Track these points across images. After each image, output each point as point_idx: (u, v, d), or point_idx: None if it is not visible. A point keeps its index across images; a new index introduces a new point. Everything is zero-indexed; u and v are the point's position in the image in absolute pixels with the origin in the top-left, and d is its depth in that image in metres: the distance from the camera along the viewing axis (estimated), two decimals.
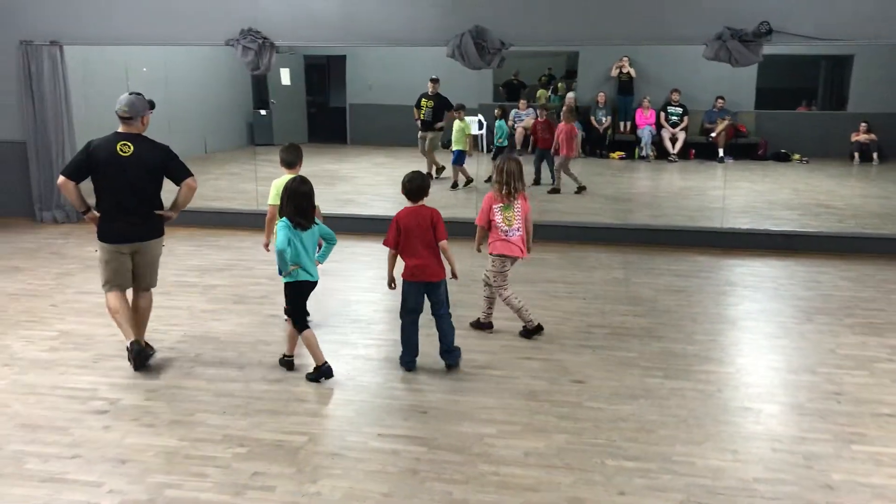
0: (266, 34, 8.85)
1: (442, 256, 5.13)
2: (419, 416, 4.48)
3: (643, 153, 13.30)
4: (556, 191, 11.14)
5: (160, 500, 3.63)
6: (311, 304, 5.88)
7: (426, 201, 5.15)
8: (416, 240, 5.03)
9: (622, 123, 13.72)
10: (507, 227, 5.66)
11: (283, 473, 3.86)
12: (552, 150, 11.24)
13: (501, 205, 5.64)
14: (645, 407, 4.63)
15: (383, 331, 5.91)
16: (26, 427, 4.33)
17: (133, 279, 5.24)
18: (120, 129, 5.06)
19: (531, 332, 5.78)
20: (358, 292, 6.82)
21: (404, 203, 5.15)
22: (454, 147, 11.43)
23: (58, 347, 5.50)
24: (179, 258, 7.94)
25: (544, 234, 8.90)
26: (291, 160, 5.74)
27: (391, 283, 5.19)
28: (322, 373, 4.97)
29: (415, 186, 5.09)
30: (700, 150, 13.31)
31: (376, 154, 13.81)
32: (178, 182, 5.16)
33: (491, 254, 5.76)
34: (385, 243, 5.11)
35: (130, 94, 5.12)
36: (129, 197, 5.02)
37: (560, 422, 4.43)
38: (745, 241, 8.66)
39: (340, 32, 8.90)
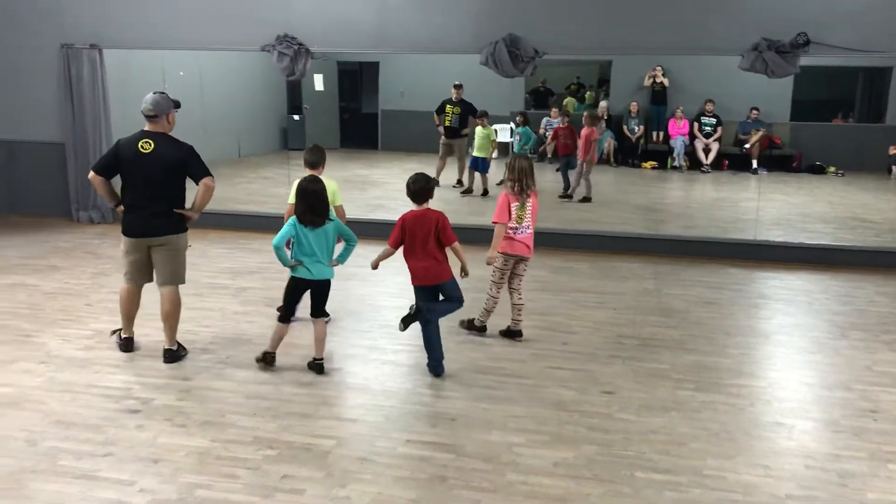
0: (301, 40, 8.92)
1: (451, 255, 5.20)
2: (448, 423, 4.48)
3: (676, 163, 13.20)
4: (587, 199, 11.10)
5: (191, 500, 3.67)
6: (342, 307, 5.92)
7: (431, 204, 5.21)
8: (419, 244, 5.08)
9: (655, 133, 13.63)
10: (516, 226, 5.71)
11: (313, 477, 3.88)
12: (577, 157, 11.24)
13: (517, 203, 5.68)
14: (676, 419, 4.59)
15: (412, 336, 5.89)
16: (61, 424, 4.39)
17: (157, 276, 5.39)
18: (146, 128, 5.21)
19: (475, 327, 5.95)
20: (387, 297, 6.84)
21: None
22: (478, 154, 11.40)
23: (93, 346, 5.58)
24: (212, 260, 8.03)
25: (575, 243, 8.91)
26: (314, 161, 5.85)
27: (375, 265, 5.24)
28: (266, 361, 5.18)
29: (419, 188, 5.13)
30: (733, 161, 13.18)
31: (407, 160, 13.83)
32: (196, 181, 5.25)
33: (497, 251, 5.80)
34: (389, 243, 5.14)
35: (155, 93, 5.25)
36: (147, 193, 5.17)
37: (590, 432, 4.40)
38: (779, 253, 8.55)
39: (375, 39, 8.95)
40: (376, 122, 15.49)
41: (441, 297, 5.25)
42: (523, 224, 5.72)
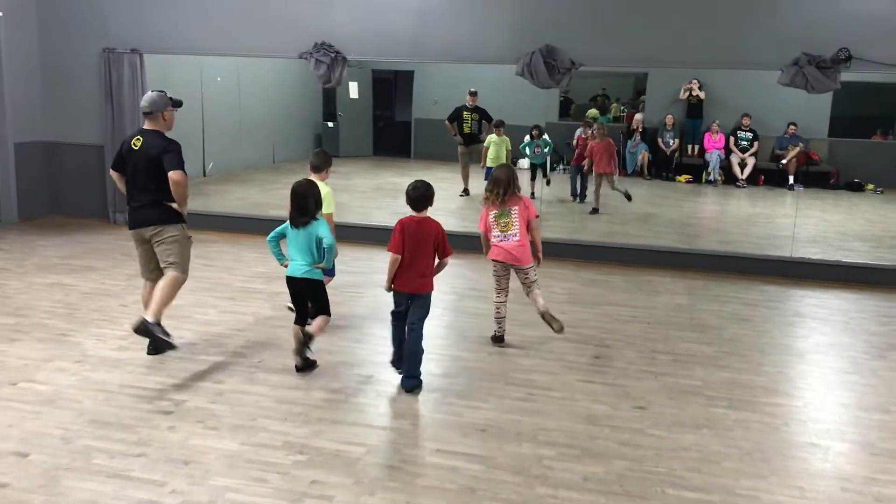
0: (339, 48, 9.00)
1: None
2: (478, 434, 4.46)
3: (711, 177, 13.08)
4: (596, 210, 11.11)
5: (221, 502, 3.69)
6: (373, 315, 5.94)
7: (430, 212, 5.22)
8: (414, 251, 5.07)
9: (690, 146, 13.53)
10: (500, 233, 5.73)
11: (342, 483, 3.88)
12: (585, 168, 11.21)
13: (496, 211, 5.73)
14: (708, 437, 4.53)
15: (442, 346, 5.91)
16: (95, 423, 4.45)
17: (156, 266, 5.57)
18: (144, 125, 5.44)
19: (495, 339, 5.97)
20: None
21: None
22: (492, 164, 11.29)
23: (127, 347, 5.65)
24: (246, 265, 8.09)
25: (609, 256, 8.86)
26: (318, 164, 6.11)
27: (390, 287, 5.19)
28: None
29: (419, 195, 5.13)
30: (769, 177, 13.04)
31: (439, 168, 13.86)
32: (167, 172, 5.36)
33: (489, 259, 5.88)
34: (390, 249, 5.10)
35: (153, 90, 5.47)
36: (137, 185, 5.41)
37: (620, 448, 4.36)
38: (816, 271, 8.43)
39: (412, 48, 8.99)
40: (409, 131, 15.55)
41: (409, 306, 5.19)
42: (510, 231, 5.74)
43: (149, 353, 5.46)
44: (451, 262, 5.37)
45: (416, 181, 5.19)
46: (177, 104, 5.50)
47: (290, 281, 5.24)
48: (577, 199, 11.68)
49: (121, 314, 6.38)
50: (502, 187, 5.67)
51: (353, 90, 15.34)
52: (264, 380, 5.14)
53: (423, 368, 5.28)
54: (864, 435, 4.65)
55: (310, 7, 9.13)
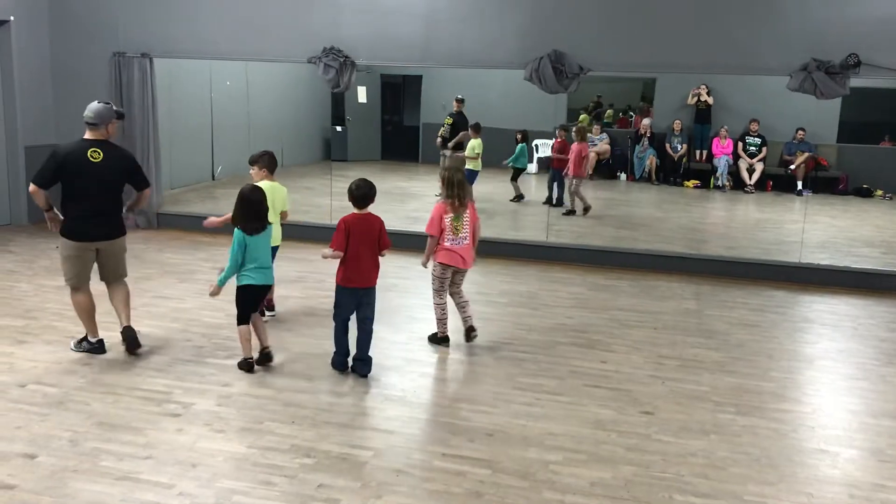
0: (348, 53, 9.02)
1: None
2: (484, 439, 4.46)
3: (719, 183, 13.06)
4: (571, 212, 11.14)
5: None
6: (379, 318, 5.95)
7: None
8: (360, 246, 5.18)
9: (698, 152, 13.51)
10: (453, 237, 5.77)
11: (349, 487, 3.88)
12: (563, 171, 11.23)
13: (452, 215, 5.75)
14: (716, 443, 4.52)
15: (450, 349, 5.91)
16: (104, 425, 4.46)
17: (105, 274, 5.65)
18: (87, 136, 5.41)
19: (438, 340, 5.97)
20: (423, 310, 6.81)
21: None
22: (469, 166, 11.31)
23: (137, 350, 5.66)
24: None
25: (616, 260, 8.86)
26: (272, 165, 6.28)
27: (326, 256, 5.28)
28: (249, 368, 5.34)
29: (362, 194, 5.24)
30: (778, 182, 13.01)
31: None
32: (139, 189, 5.66)
33: (435, 261, 5.86)
34: (333, 246, 5.18)
35: (99, 102, 5.47)
36: (101, 198, 5.41)
37: (627, 453, 4.36)
38: (824, 277, 8.40)
39: (420, 53, 9.02)
40: (417, 135, 15.57)
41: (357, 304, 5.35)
42: (460, 235, 5.78)
43: (130, 352, 5.56)
44: None
45: (360, 180, 5.31)
46: (120, 116, 5.55)
47: (259, 289, 5.34)
48: (553, 204, 11.51)
49: (135, 317, 6.38)
50: (463, 191, 5.75)
51: (362, 94, 15.37)
52: (271, 383, 5.15)
53: (428, 371, 5.29)
54: (872, 441, 4.63)
55: (319, 12, 9.16)
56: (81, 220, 5.40)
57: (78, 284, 5.53)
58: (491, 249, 9.05)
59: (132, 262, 8.17)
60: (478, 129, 11.42)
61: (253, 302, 5.36)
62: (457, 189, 5.74)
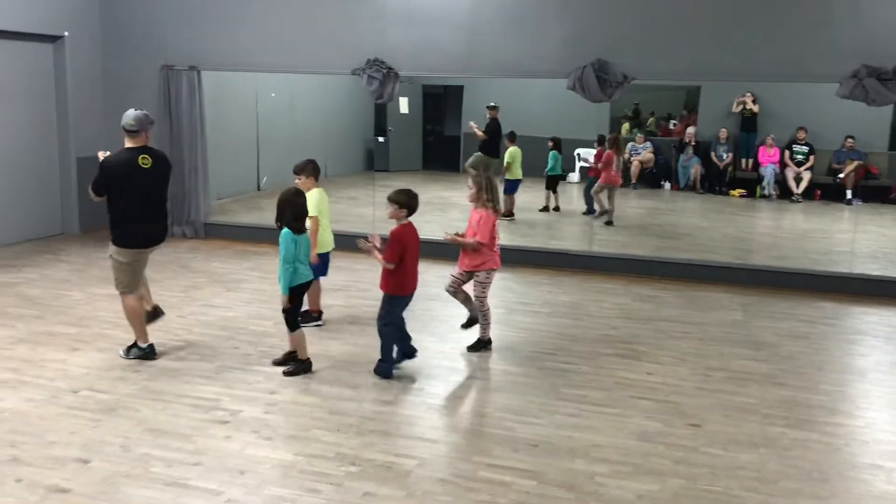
0: (391, 64, 9.10)
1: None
2: (529, 449, 4.44)
3: (765, 192, 12.86)
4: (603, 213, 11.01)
5: None
6: (424, 328, 5.97)
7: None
8: (411, 254, 5.33)
9: (744, 160, 13.32)
10: (499, 243, 5.95)
11: (394, 496, 3.90)
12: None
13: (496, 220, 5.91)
14: (765, 456, 4.44)
15: (494, 359, 5.90)
16: (153, 432, 4.54)
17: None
18: (130, 144, 5.57)
19: (484, 344, 6.04)
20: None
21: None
22: (508, 176, 11.24)
23: (184, 357, 5.76)
24: None
25: (661, 270, 8.76)
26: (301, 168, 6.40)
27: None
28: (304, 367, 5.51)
29: (416, 203, 5.38)
30: (826, 191, 12.75)
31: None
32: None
33: (489, 269, 5.92)
34: (388, 258, 5.25)
35: (136, 109, 5.64)
36: (150, 203, 5.58)
37: (675, 465, 4.30)
38: (876, 288, 8.21)
39: (463, 63, 9.05)
40: (458, 145, 15.59)
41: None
42: (498, 240, 5.98)
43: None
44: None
45: (408, 189, 5.40)
46: (152, 123, 5.75)
47: (308, 285, 5.51)
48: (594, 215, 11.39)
49: (178, 325, 6.50)
50: (496, 194, 5.92)
51: (404, 105, 15.44)
52: (317, 391, 5.20)
53: (473, 381, 5.31)
54: None
55: (364, 24, 9.25)
56: (143, 226, 5.55)
57: (133, 290, 5.67)
58: (533, 259, 9.03)
59: (181, 270, 8.37)
60: (513, 138, 11.39)
61: (301, 300, 5.52)
62: (495, 193, 5.88)
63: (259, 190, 12.85)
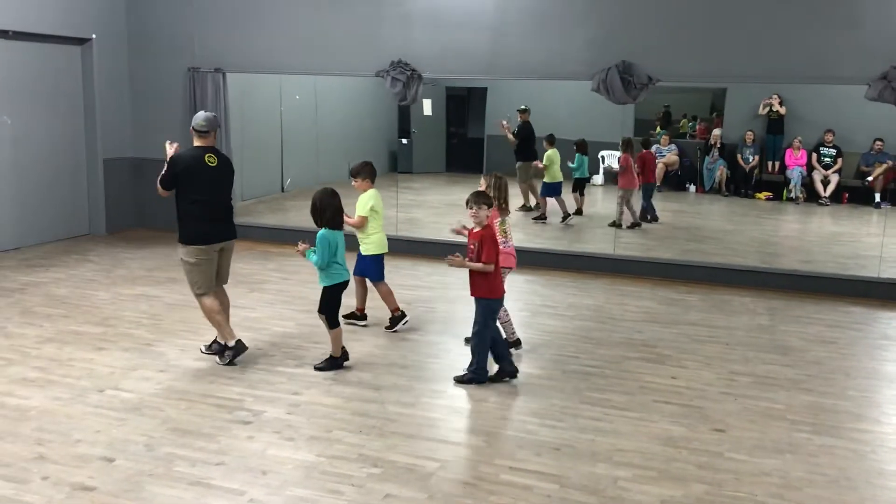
0: (414, 66, 9.11)
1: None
2: (552, 453, 4.42)
3: (792, 195, 12.71)
4: (637, 224, 10.92)
5: None
6: (446, 329, 5.96)
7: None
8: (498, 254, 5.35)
9: (770, 163, 13.18)
10: (503, 239, 5.83)
11: (416, 498, 3.89)
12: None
13: (499, 219, 5.84)
14: (791, 462, 4.39)
15: (517, 362, 5.86)
16: (177, 431, 4.57)
17: (217, 277, 5.82)
18: (198, 143, 5.67)
19: (510, 344, 5.94)
20: None
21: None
22: (546, 179, 11.19)
23: (208, 357, 5.79)
24: None
25: (686, 274, 8.69)
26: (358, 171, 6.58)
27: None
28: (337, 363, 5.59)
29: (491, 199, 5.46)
30: (854, 195, 12.58)
31: (511, 185, 13.93)
32: None
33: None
34: (486, 260, 5.22)
35: (207, 112, 5.85)
36: (219, 201, 5.69)
37: (699, 471, 4.26)
38: None
39: (487, 65, 9.04)
40: (482, 147, 15.57)
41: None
42: (506, 238, 5.94)
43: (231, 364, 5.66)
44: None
45: (481, 191, 5.49)
46: (219, 124, 5.91)
47: (346, 285, 5.60)
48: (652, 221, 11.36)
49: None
50: (506, 195, 5.96)
51: (427, 107, 15.45)
52: (339, 392, 5.21)
53: (495, 384, 5.30)
54: None
55: (388, 26, 9.28)
56: (205, 223, 5.61)
57: (208, 290, 5.69)
58: (557, 262, 9.00)
59: None
60: (552, 141, 11.33)
61: (338, 299, 5.58)
62: (502, 192, 5.95)
63: (283, 191, 12.92)
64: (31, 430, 4.55)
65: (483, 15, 8.98)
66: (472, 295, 5.38)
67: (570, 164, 11.48)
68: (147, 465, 4.17)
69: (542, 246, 9.58)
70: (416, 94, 9.23)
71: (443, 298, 7.42)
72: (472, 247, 5.31)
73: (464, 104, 17.11)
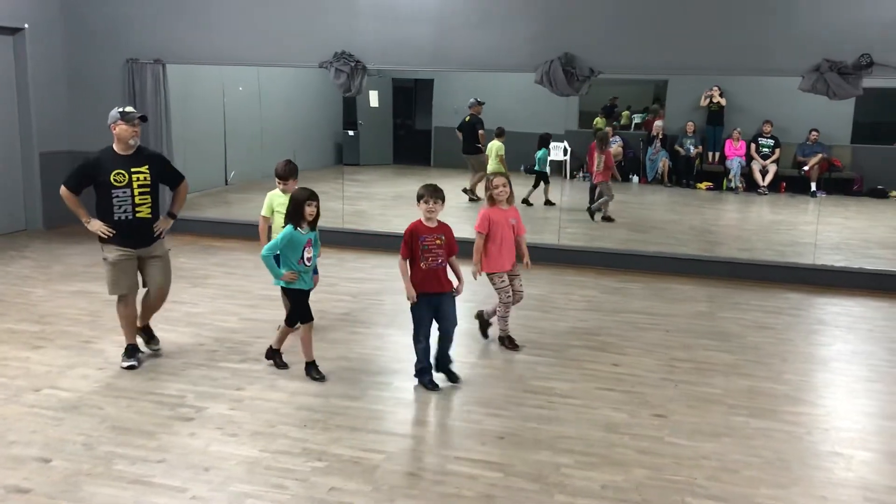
0: (359, 57, 9.06)
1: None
2: (496, 442, 4.46)
3: (732, 184, 13.00)
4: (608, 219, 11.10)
5: None
6: (392, 321, 5.96)
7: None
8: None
9: (711, 154, 13.45)
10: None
11: (360, 490, 3.89)
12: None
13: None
14: (728, 445, 4.50)
15: (461, 353, 5.90)
16: (117, 429, 4.49)
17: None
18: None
19: (512, 344, 6.06)
20: None
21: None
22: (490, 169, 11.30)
23: (149, 354, 5.69)
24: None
25: (629, 263, 8.83)
26: (283, 174, 6.17)
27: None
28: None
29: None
30: (791, 184, 12.92)
31: (458, 177, 13.91)
32: (175, 186, 5.89)
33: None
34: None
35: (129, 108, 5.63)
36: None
37: (640, 456, 4.34)
38: (839, 279, 8.34)
39: (432, 57, 9.03)
40: (429, 139, 15.58)
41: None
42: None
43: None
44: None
45: (435, 186, 5.46)
46: (142, 119, 5.63)
47: (306, 294, 5.40)
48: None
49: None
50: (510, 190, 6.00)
51: (374, 99, 15.38)
52: (284, 387, 5.17)
53: (439, 374, 5.33)
54: (887, 444, 4.59)
55: (331, 17, 9.20)
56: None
57: (117, 293, 5.48)
58: None
59: None
60: (500, 133, 11.45)
61: (301, 302, 5.39)
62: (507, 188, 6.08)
63: (226, 184, 12.75)
64: None
65: (427, 6, 8.97)
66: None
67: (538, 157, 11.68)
68: (85, 464, 4.08)
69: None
70: (361, 86, 9.19)
71: (389, 290, 7.40)
72: (438, 242, 5.20)
73: (411, 96, 17.08)
